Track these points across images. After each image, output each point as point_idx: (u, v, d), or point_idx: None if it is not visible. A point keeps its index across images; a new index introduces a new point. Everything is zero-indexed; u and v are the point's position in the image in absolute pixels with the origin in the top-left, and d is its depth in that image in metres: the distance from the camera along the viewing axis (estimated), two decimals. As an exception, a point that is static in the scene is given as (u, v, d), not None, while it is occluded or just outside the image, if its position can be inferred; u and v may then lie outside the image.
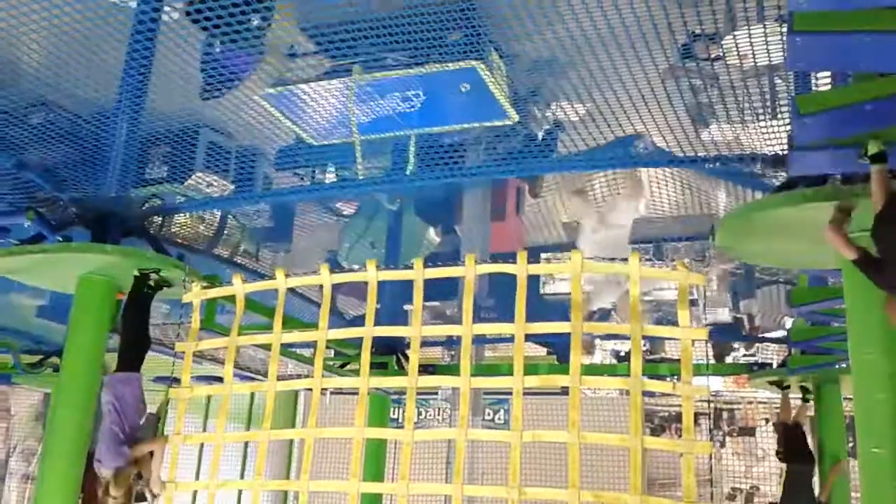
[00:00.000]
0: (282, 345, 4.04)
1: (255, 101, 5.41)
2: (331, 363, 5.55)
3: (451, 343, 6.83)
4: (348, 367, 5.70)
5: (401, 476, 3.53)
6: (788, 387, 6.74)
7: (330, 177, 5.85)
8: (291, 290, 4.57)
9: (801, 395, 6.83)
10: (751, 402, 9.04)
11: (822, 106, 3.04)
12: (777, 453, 6.94)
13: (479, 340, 6.44)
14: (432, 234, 6.05)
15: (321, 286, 3.98)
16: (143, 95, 5.05)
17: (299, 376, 5.18)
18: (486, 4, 4.68)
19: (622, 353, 7.99)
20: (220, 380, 4.37)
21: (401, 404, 3.89)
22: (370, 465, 5.00)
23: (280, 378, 3.96)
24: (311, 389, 3.84)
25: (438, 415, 8.65)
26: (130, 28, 4.64)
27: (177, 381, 4.57)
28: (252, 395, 7.31)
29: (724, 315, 6.80)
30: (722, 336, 6.86)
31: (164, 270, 4.71)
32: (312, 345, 3.90)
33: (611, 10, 4.43)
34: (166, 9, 4.48)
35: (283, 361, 5.36)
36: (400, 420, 6.87)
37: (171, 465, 4.06)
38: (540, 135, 5.61)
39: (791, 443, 6.63)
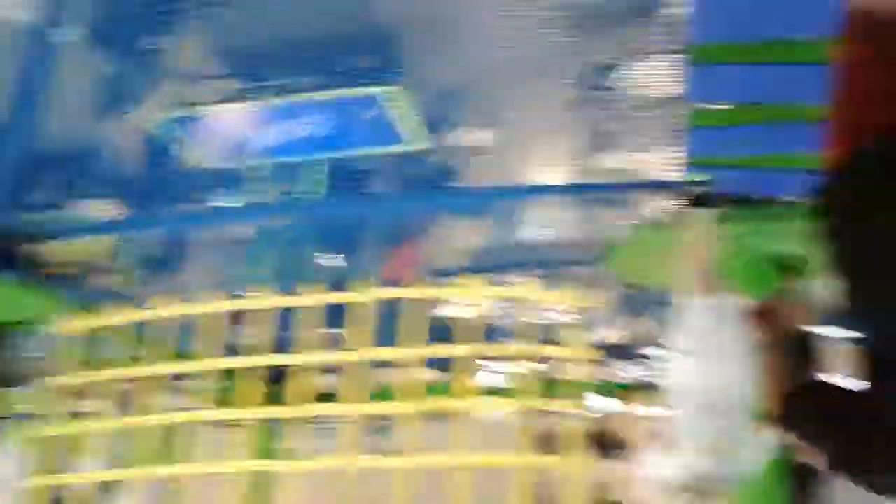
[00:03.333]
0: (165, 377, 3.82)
1: (153, 124, 5.26)
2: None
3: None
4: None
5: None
6: None
7: (229, 201, 5.69)
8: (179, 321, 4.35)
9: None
10: (638, 420, 9.11)
11: (715, 122, 3.07)
12: None
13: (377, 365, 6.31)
14: (327, 261, 5.94)
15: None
16: (34, 117, 4.82)
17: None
18: (392, 32, 4.70)
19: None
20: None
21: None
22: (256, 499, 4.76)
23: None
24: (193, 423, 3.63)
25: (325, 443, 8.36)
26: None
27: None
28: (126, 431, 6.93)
29: (616, 337, 6.92)
30: (615, 356, 6.96)
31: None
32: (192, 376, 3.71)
33: (515, 39, 4.51)
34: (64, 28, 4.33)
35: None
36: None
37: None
38: (448, 163, 5.62)
39: None
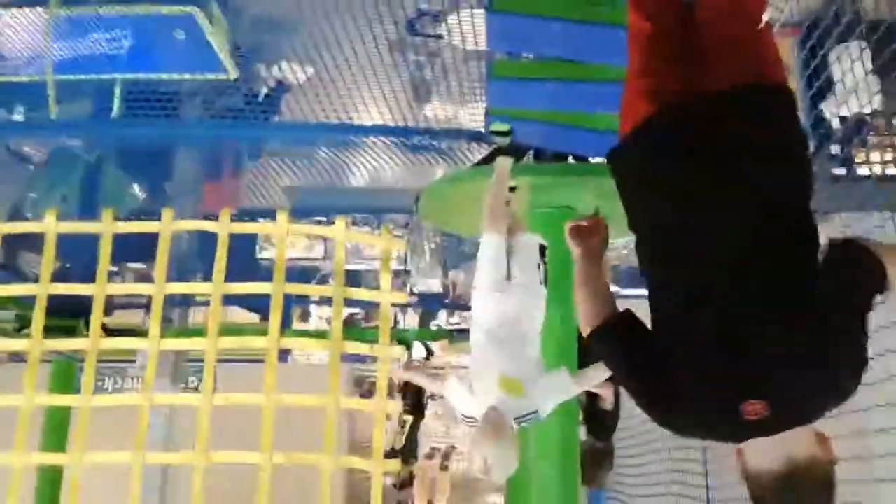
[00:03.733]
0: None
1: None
2: (6, 327, 4.93)
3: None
4: (26, 330, 5.10)
5: (75, 446, 3.21)
6: None
7: (17, 117, 5.18)
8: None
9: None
10: (454, 368, 9.58)
11: (513, 73, 3.18)
12: None
13: (184, 303, 6.12)
14: (136, 191, 5.61)
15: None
16: None
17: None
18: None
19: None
20: None
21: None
22: (51, 436, 4.52)
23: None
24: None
25: (136, 384, 8.09)
26: None
27: None
28: None
29: (436, 285, 7.15)
30: (429, 304, 7.19)
31: None
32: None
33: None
34: None
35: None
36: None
37: None
38: (262, 94, 5.44)
39: None
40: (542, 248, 2.94)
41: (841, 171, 4.28)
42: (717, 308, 1.74)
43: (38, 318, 3.28)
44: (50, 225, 3.38)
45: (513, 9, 2.98)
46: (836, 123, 4.24)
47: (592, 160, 4.03)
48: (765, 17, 1.95)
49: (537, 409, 2.68)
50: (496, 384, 2.62)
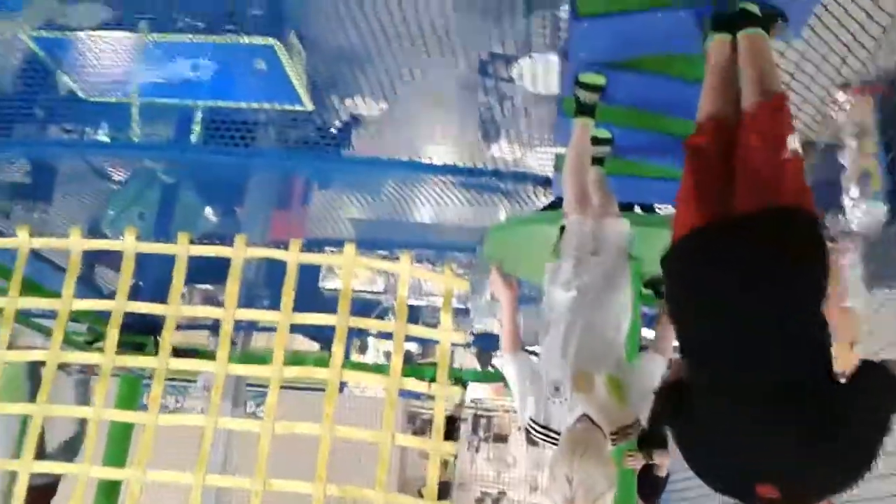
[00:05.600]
0: (19, 312, 3.62)
1: (23, 43, 4.92)
2: (80, 339, 5.09)
3: (219, 329, 6.51)
4: (97, 344, 5.27)
5: (138, 462, 3.29)
6: None
7: (102, 136, 5.41)
8: (39, 256, 4.15)
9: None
10: (507, 411, 9.52)
11: (601, 9, 2.77)
12: None
13: (248, 328, 6.24)
14: (209, 214, 5.77)
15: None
16: None
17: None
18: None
19: (394, 355, 8.07)
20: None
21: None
22: (113, 449, 4.64)
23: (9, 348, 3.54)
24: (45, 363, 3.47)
25: (197, 404, 8.24)
26: None
27: None
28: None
29: (494, 326, 7.12)
30: (487, 345, 7.16)
31: None
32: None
33: (415, 11, 4.52)
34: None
35: (28, 336, 4.86)
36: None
37: None
38: (334, 127, 5.57)
39: None
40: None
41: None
42: (735, 400, 1.97)
43: (112, 334, 3.39)
44: (129, 244, 3.50)
45: (602, 9, 2.79)
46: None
47: (659, 209, 4.02)
48: (790, 148, 2.18)
49: (638, 418, 2.32)
50: (602, 384, 2.26)
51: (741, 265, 2.08)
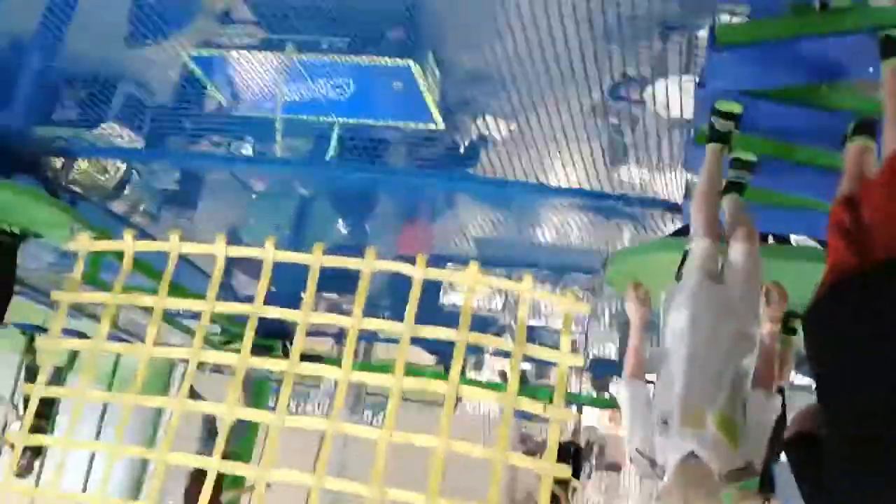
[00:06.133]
0: (165, 312, 3.91)
1: (182, 60, 5.30)
2: (215, 339, 5.42)
3: (342, 337, 6.78)
4: (231, 345, 5.59)
5: (264, 461, 3.47)
6: None
7: (246, 150, 5.76)
8: (184, 259, 4.46)
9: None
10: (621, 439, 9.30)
11: (740, 39, 2.75)
12: None
13: (370, 338, 6.44)
14: (341, 226, 6.01)
15: (215, 258, 3.88)
16: (63, 31, 4.86)
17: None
18: (429, 9, 4.74)
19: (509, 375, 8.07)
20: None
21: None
22: (239, 445, 4.90)
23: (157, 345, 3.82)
24: (187, 361, 3.72)
25: (318, 409, 8.54)
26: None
27: (42, 330, 4.35)
28: (117, 358, 7.02)
29: (612, 351, 7.02)
30: (603, 370, 7.06)
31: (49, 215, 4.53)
32: (197, 317, 3.79)
33: (548, 37, 4.56)
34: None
35: (164, 335, 5.22)
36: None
37: (26, 418, 3.86)
38: (464, 146, 5.69)
39: None
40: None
41: None
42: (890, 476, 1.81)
43: (248, 336, 3.59)
44: (268, 252, 3.71)
45: (741, 39, 2.75)
46: None
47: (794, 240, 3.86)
48: None
49: (752, 462, 2.20)
50: (711, 422, 2.14)
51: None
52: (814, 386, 2.14)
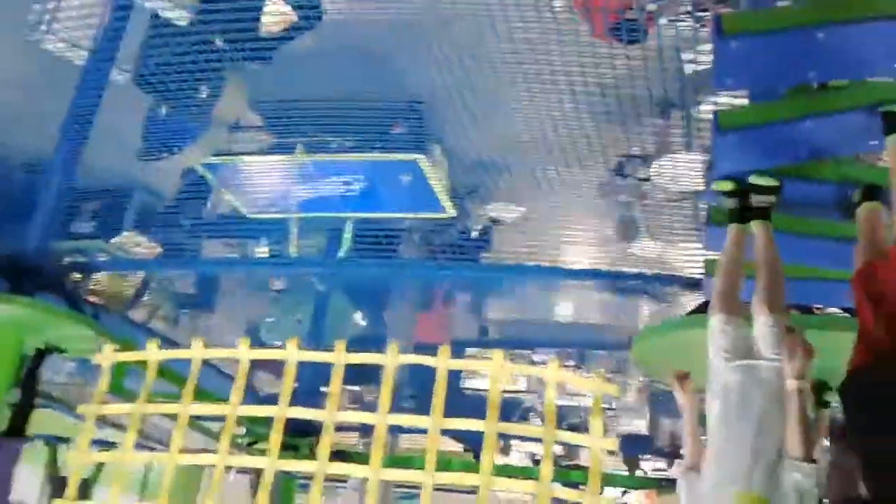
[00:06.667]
0: (190, 417, 3.89)
1: (194, 169, 5.43)
2: (239, 441, 5.37)
3: (367, 430, 6.66)
4: (256, 445, 5.54)
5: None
6: None
7: (261, 250, 5.85)
8: (205, 362, 4.47)
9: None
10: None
11: (743, 122, 2.81)
12: None
13: (395, 430, 6.36)
14: (358, 318, 6.04)
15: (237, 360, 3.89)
16: (80, 150, 5.00)
17: (205, 451, 4.98)
18: (433, 103, 4.89)
19: (538, 457, 7.94)
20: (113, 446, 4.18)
21: (307, 490, 3.78)
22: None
23: (183, 452, 3.79)
24: (214, 466, 3.69)
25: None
26: (76, 84, 4.65)
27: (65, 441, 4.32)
28: (148, 466, 6.94)
29: (641, 426, 6.90)
30: (635, 448, 6.92)
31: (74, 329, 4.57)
32: (221, 419, 3.77)
33: (551, 121, 4.68)
34: (114, 70, 4.50)
35: (195, 438, 5.20)
36: (305, 506, 6.66)
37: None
38: (474, 232, 5.76)
39: None
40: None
41: None
42: None
43: (275, 439, 3.57)
44: (291, 353, 3.72)
45: (745, 122, 2.82)
46: None
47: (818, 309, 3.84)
48: None
49: None
50: (731, 500, 2.18)
51: None
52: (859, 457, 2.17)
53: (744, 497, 2.21)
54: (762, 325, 2.63)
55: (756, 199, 2.93)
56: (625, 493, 6.80)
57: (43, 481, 6.34)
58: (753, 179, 2.91)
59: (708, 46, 3.53)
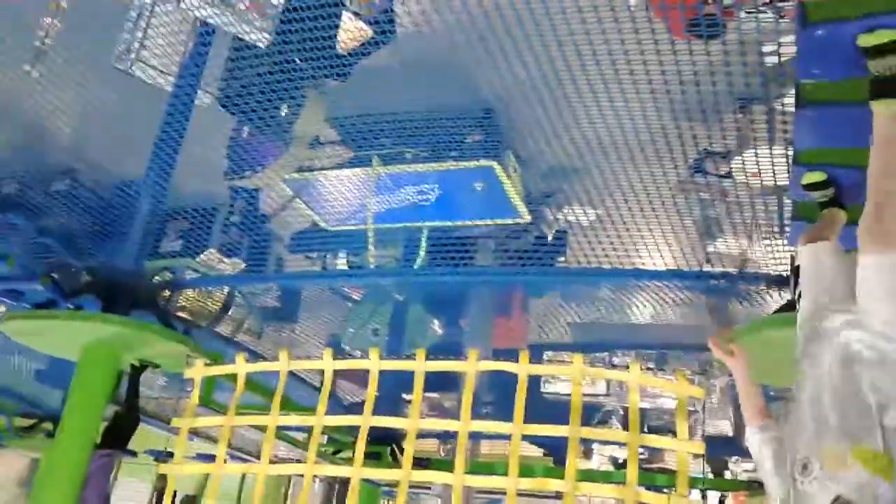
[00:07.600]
0: (277, 428, 4.00)
1: (277, 186, 5.57)
2: (323, 449, 5.48)
3: (447, 436, 6.73)
4: (341, 454, 5.64)
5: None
6: None
7: (341, 261, 5.95)
8: (290, 373, 4.59)
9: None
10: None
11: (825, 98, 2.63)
12: None
13: (476, 436, 6.37)
14: (436, 326, 6.08)
15: (322, 370, 3.98)
16: (170, 172, 5.20)
17: (291, 460, 5.11)
18: (507, 110, 4.88)
19: (620, 461, 7.85)
20: (209, 458, 4.33)
21: (392, 496, 3.83)
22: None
23: (272, 462, 3.90)
24: (302, 475, 3.78)
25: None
26: (163, 108, 4.84)
27: (169, 455, 4.54)
28: (243, 476, 7.16)
29: (727, 427, 6.71)
30: (722, 449, 6.73)
31: (166, 345, 4.76)
32: (307, 429, 3.87)
33: (627, 121, 4.61)
34: (199, 94, 4.67)
35: (276, 444, 5.33)
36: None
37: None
38: (550, 236, 5.71)
39: None
40: None
41: None
42: None
43: (360, 448, 3.64)
44: (374, 363, 3.78)
45: (827, 98, 2.68)
46: None
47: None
48: None
49: None
50: (849, 457, 1.90)
51: None
52: None
53: (859, 453, 1.93)
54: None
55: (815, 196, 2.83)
56: (704, 497, 6.61)
57: (150, 496, 6.62)
58: (806, 178, 2.81)
59: (790, 38, 3.43)
